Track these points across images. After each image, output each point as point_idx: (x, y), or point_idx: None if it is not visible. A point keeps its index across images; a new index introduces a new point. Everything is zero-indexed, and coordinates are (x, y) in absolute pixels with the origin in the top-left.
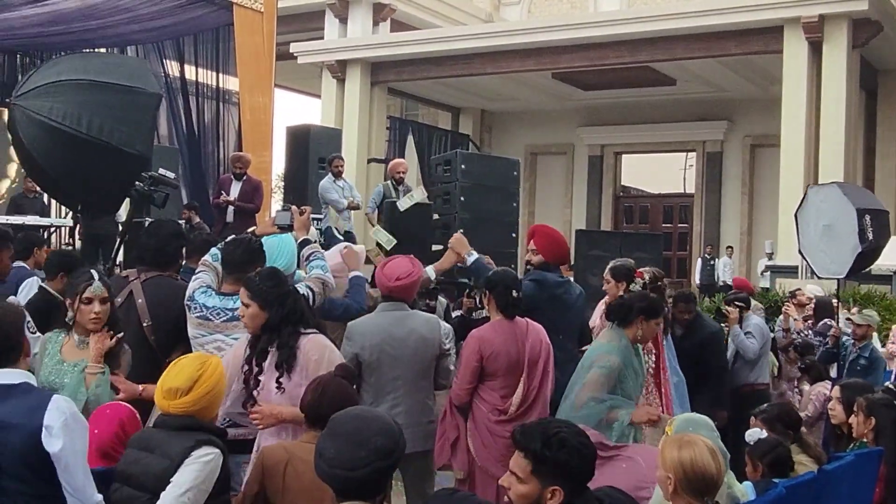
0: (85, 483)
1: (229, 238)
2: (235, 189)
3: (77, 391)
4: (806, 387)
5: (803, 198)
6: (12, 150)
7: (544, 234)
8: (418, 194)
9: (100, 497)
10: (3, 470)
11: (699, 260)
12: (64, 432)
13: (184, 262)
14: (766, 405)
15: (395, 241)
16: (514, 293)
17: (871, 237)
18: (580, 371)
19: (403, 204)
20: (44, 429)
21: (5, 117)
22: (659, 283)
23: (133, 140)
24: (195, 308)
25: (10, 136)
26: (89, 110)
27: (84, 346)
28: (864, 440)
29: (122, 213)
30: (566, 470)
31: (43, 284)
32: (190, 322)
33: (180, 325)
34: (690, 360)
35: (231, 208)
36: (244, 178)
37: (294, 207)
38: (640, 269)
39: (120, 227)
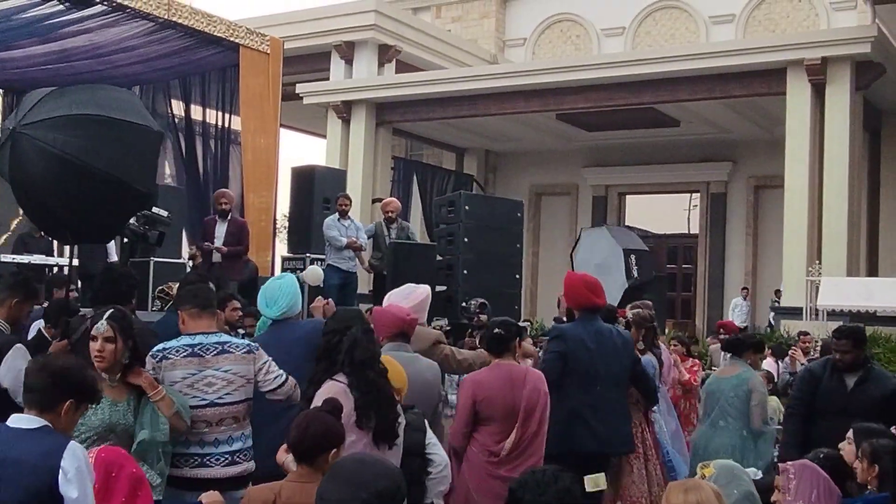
0: None
1: (188, 280)
2: (220, 230)
3: (160, 422)
4: None
5: (577, 240)
6: None
7: (565, 281)
8: None
9: None
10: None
11: (733, 301)
12: (78, 479)
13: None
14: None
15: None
16: (496, 330)
17: (636, 274)
18: (732, 402)
19: None
20: (60, 471)
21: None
22: (653, 323)
23: (143, 178)
24: (177, 351)
25: (7, 161)
26: (104, 146)
27: (115, 383)
28: (871, 487)
29: (114, 254)
30: None
31: (42, 329)
32: (173, 368)
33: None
34: (867, 411)
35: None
36: (229, 217)
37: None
38: (623, 309)
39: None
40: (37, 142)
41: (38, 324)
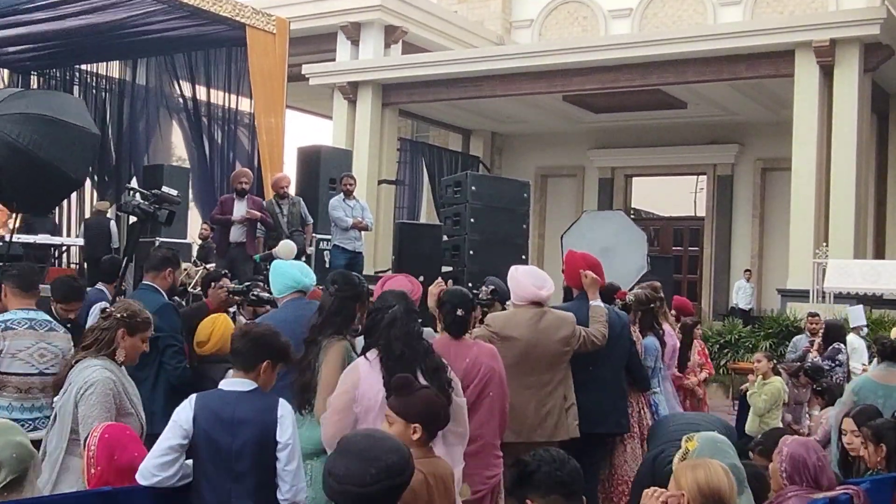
0: (298, 471)
1: (18, 265)
2: (240, 209)
3: None
4: (816, 411)
5: (574, 221)
6: None
7: (566, 259)
8: None
9: (304, 495)
10: (241, 456)
11: (736, 283)
12: (291, 425)
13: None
14: (761, 436)
15: None
16: (460, 312)
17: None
18: None
19: None
20: (277, 421)
21: None
22: (652, 304)
23: (75, 167)
24: (19, 322)
25: None
26: (47, 139)
27: None
28: (879, 468)
29: (116, 239)
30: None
31: (53, 307)
32: (18, 337)
33: None
34: None
35: (237, 228)
36: (246, 196)
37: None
38: (624, 290)
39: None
40: None
41: (99, 305)
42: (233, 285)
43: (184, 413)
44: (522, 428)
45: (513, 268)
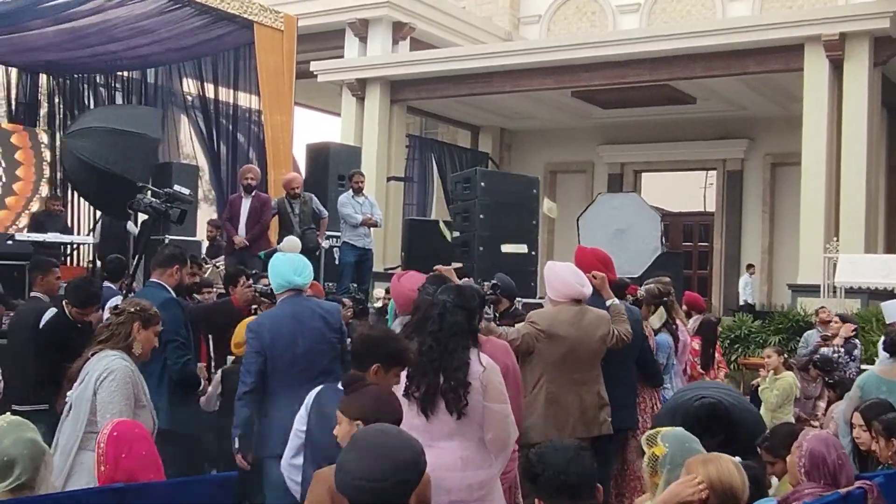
0: None
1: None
2: (245, 206)
3: None
4: (823, 403)
5: (590, 204)
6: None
7: (576, 256)
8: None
9: None
10: (325, 448)
11: (741, 279)
12: None
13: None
14: (768, 432)
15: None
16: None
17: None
18: None
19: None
20: None
21: (42, 138)
22: (665, 298)
23: (133, 171)
24: None
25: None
26: (108, 150)
27: None
28: (891, 463)
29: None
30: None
31: (65, 306)
32: None
33: None
34: None
35: (243, 228)
36: (253, 193)
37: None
38: (635, 286)
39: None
40: (68, 147)
41: (115, 300)
42: (260, 286)
43: (306, 402)
44: (566, 424)
45: (551, 263)
